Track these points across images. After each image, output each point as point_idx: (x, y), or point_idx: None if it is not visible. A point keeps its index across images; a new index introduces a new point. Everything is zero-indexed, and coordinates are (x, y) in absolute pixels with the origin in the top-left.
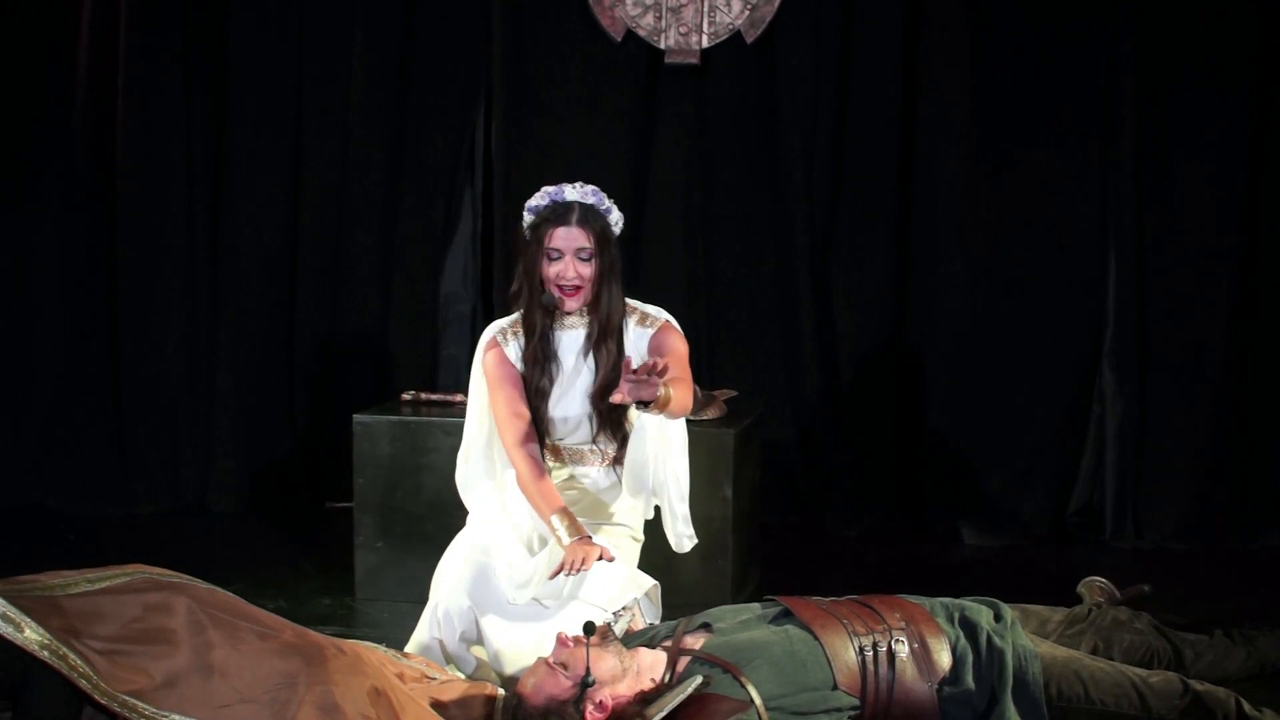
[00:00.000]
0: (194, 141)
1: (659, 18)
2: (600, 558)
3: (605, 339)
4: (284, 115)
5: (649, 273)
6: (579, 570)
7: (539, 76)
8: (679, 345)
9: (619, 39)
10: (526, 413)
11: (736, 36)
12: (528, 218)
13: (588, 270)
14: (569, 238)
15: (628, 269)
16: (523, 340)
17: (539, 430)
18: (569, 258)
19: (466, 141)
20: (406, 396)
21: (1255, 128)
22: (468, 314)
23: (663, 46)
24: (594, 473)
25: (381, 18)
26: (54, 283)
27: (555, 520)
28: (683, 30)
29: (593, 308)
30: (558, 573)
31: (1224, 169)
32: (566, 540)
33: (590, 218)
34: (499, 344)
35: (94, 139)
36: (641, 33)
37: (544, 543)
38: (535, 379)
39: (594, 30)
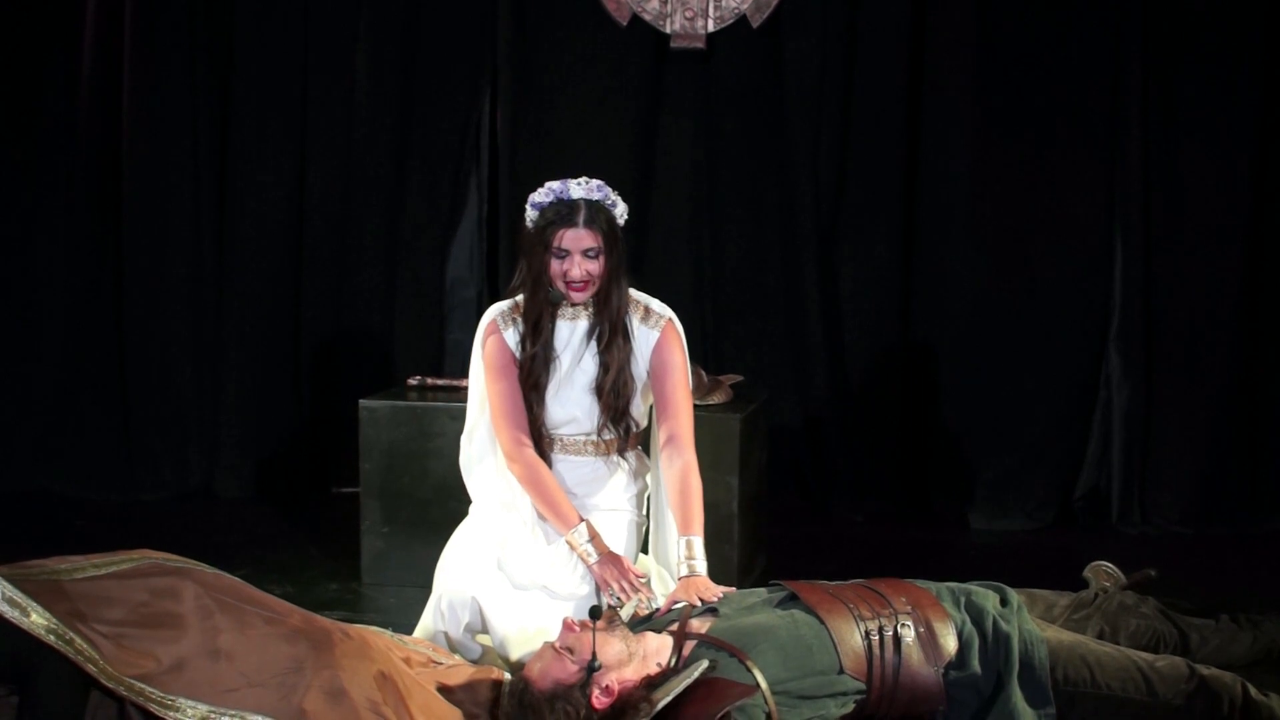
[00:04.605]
0: (199, 127)
1: (664, 2)
2: (637, 583)
3: (614, 336)
4: (289, 100)
5: (654, 258)
6: (629, 595)
7: (544, 61)
8: (679, 358)
9: (624, 23)
10: (523, 411)
11: (742, 21)
12: (532, 214)
13: (595, 267)
14: (577, 239)
15: (633, 255)
16: (522, 328)
17: (535, 421)
18: (576, 256)
19: (472, 126)
20: (412, 381)
21: (1261, 113)
22: (473, 299)
23: (668, 31)
24: (591, 461)
25: (386, 2)
26: (59, 269)
27: (577, 538)
28: (688, 15)
29: (600, 304)
30: (609, 592)
31: (1230, 154)
32: (594, 558)
33: (597, 216)
34: (499, 329)
35: (99, 124)
36: (647, 17)
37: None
38: (533, 372)
39: (599, 14)
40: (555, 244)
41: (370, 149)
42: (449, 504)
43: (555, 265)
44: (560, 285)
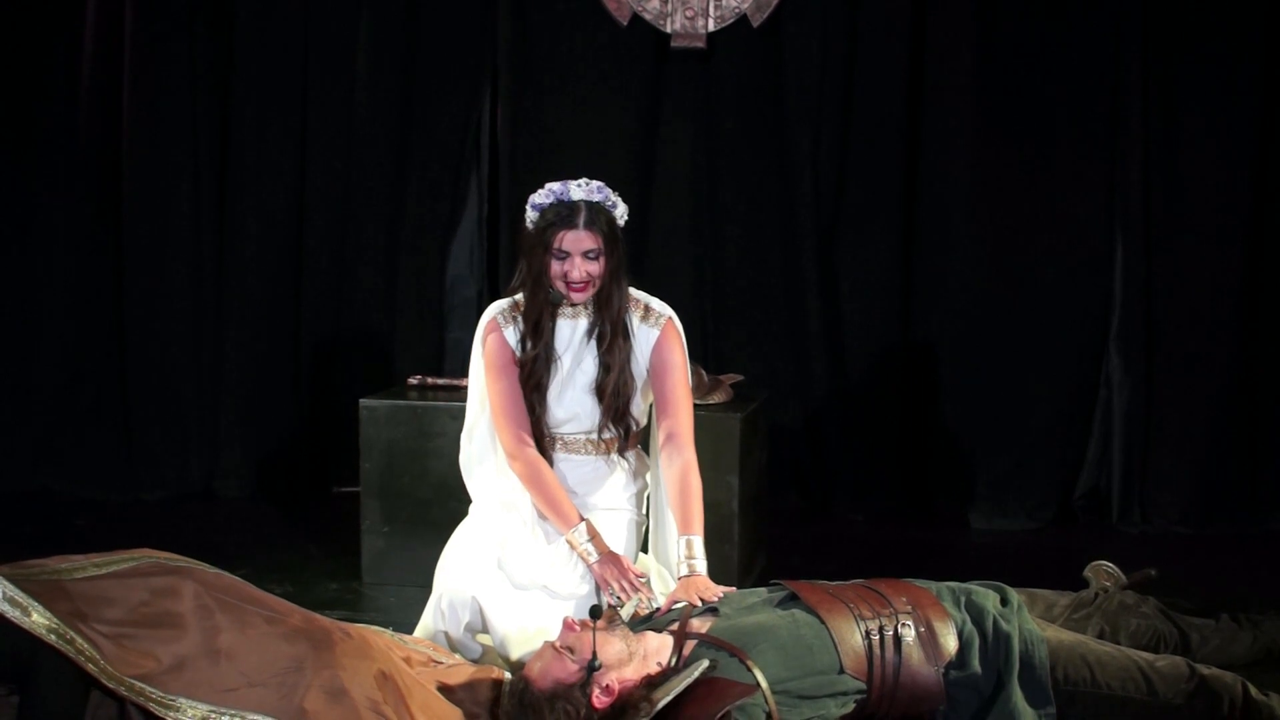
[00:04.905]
0: (199, 128)
1: (665, 1)
2: (637, 583)
3: (615, 336)
4: (289, 100)
5: (655, 258)
6: (628, 595)
7: (545, 60)
8: (679, 356)
9: (625, 23)
10: (524, 409)
11: (743, 20)
12: (532, 215)
13: (595, 268)
14: (577, 240)
15: (633, 254)
16: (523, 326)
17: (537, 418)
18: (576, 257)
19: (472, 126)
20: (413, 381)
21: (1261, 113)
22: (474, 298)
23: (669, 30)
24: (591, 460)
25: (387, 2)
26: (60, 268)
27: (577, 537)
28: (689, 14)
29: (600, 304)
30: (609, 591)
31: (1230, 154)
32: (594, 557)
33: (597, 218)
34: (499, 326)
35: (99, 124)
36: (647, 16)
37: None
38: (534, 374)
39: (600, 14)
40: (555, 245)
41: (370, 148)
42: (449, 503)
43: (555, 266)
44: (560, 286)
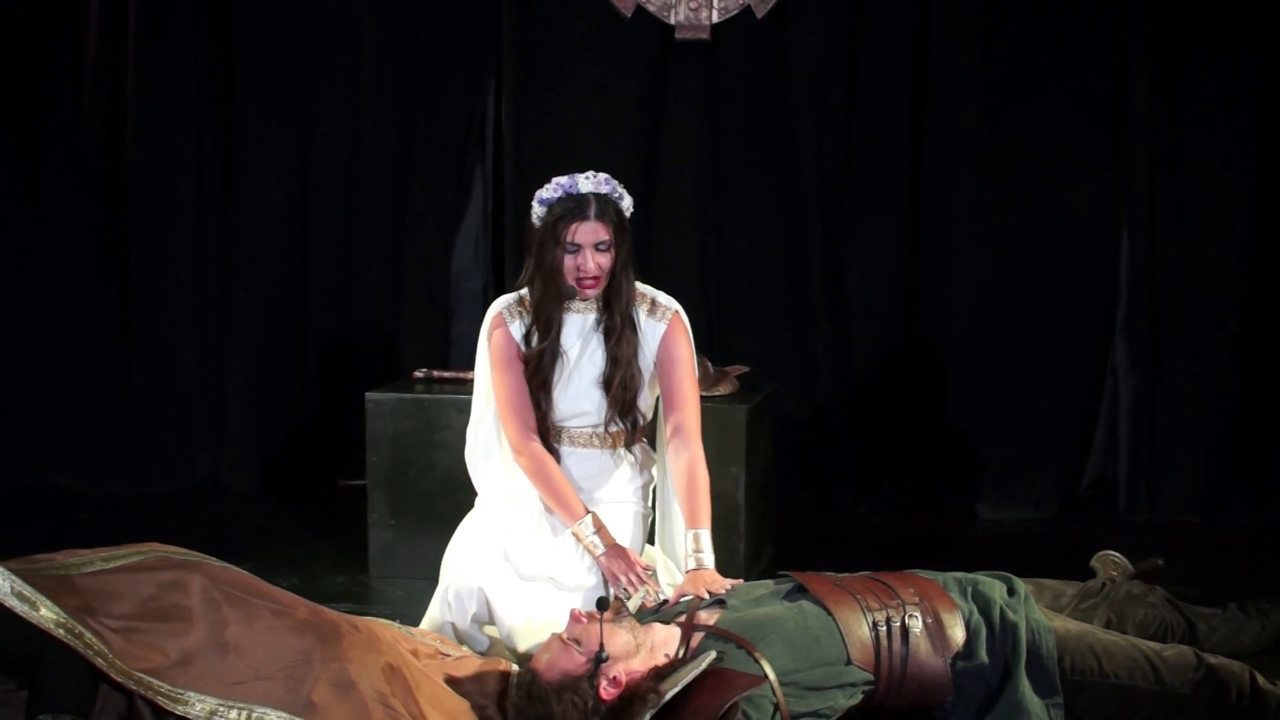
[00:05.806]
0: (204, 122)
1: None
2: (644, 575)
3: (623, 329)
4: (294, 94)
5: (660, 250)
6: (635, 587)
7: (548, 53)
8: (686, 350)
9: (629, 14)
10: (529, 404)
11: (747, 12)
12: (540, 210)
13: (606, 260)
14: (588, 232)
15: (638, 247)
16: (528, 321)
17: (543, 413)
18: (588, 250)
19: (477, 118)
20: (419, 374)
21: (1266, 102)
22: (479, 291)
23: (673, 22)
24: (597, 454)
25: None
26: (65, 262)
27: (583, 529)
28: (693, 6)
29: (608, 297)
30: (616, 584)
31: (1236, 144)
32: (600, 550)
33: (607, 209)
34: (505, 321)
35: (104, 120)
36: (651, 8)
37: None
38: (540, 369)
39: (604, 6)
40: (567, 238)
41: (375, 142)
42: (456, 496)
43: (568, 260)
44: (571, 281)
